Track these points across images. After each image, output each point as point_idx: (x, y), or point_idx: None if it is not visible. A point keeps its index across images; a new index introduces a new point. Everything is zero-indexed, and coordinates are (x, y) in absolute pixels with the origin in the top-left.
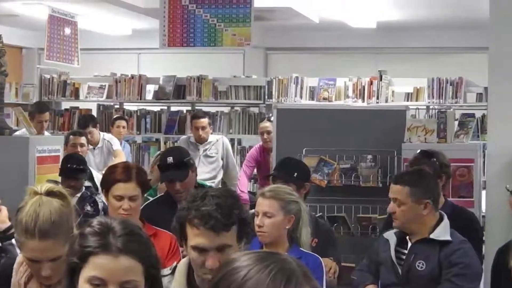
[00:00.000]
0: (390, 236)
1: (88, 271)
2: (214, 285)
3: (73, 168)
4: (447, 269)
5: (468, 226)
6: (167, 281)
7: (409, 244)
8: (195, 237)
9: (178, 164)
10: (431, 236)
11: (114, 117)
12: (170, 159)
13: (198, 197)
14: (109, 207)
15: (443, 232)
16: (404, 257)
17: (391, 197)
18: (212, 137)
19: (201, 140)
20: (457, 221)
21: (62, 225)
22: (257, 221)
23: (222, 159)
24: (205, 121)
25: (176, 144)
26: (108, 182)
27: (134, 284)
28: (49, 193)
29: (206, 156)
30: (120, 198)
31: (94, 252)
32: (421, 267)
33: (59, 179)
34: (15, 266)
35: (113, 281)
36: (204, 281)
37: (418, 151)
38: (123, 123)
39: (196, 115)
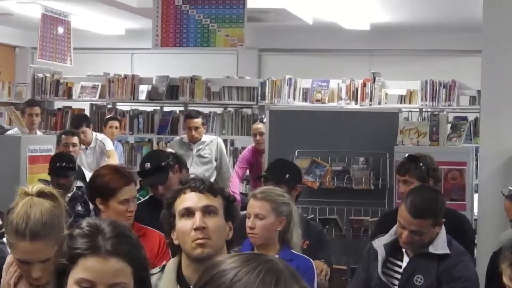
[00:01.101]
0: (379, 248)
1: (76, 273)
2: None
3: (62, 166)
4: (447, 284)
5: (458, 227)
6: (156, 278)
7: (405, 257)
8: (182, 202)
9: (156, 169)
10: (430, 250)
11: (107, 117)
12: (147, 165)
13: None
14: (110, 214)
15: (441, 245)
16: (398, 269)
17: (409, 229)
18: (206, 138)
19: (194, 140)
20: (448, 222)
21: (53, 227)
22: (248, 223)
23: (215, 160)
24: (198, 121)
25: (169, 145)
26: (111, 189)
27: (123, 286)
28: (40, 194)
29: (199, 156)
30: (126, 201)
31: (83, 254)
32: (420, 282)
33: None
34: (4, 266)
35: (102, 283)
36: (195, 249)
37: (406, 155)
38: (116, 123)
39: (189, 114)
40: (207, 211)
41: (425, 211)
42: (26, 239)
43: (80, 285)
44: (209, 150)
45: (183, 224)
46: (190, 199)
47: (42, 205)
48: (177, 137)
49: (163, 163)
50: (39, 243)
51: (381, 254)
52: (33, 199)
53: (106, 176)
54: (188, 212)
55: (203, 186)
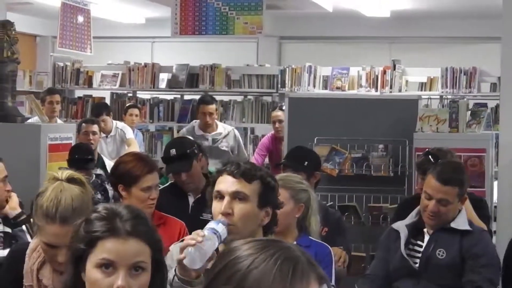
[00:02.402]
0: (402, 228)
1: (96, 255)
2: (216, 275)
3: (81, 158)
4: (472, 260)
5: (477, 212)
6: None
7: (426, 235)
8: (217, 184)
9: (182, 156)
10: (452, 225)
11: (127, 105)
12: (173, 151)
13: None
14: (132, 201)
15: (462, 222)
16: (419, 249)
17: (437, 198)
18: (221, 128)
19: (207, 127)
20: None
21: (82, 212)
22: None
23: (232, 152)
24: (213, 107)
25: (179, 135)
26: (134, 176)
27: (143, 266)
28: (70, 180)
29: (215, 148)
30: (148, 189)
31: (102, 236)
32: (442, 256)
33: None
34: (28, 251)
35: (123, 263)
36: None
37: (426, 150)
38: (136, 111)
39: (204, 99)
40: (237, 196)
41: (453, 179)
42: (56, 222)
43: (100, 267)
44: (226, 143)
45: (214, 206)
46: (223, 182)
47: (72, 190)
48: (188, 126)
49: (188, 151)
50: (68, 227)
51: (403, 232)
52: (63, 184)
53: (129, 163)
54: (220, 195)
55: (237, 171)
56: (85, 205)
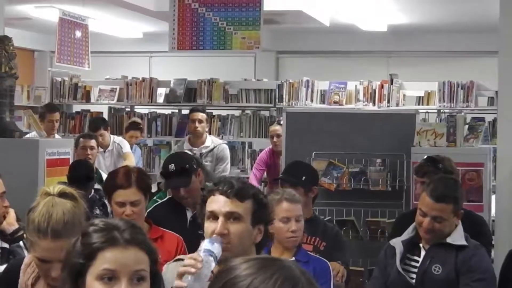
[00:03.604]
0: (397, 244)
1: (97, 267)
2: None
3: (81, 176)
4: (465, 274)
5: (477, 229)
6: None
7: (422, 250)
8: (209, 204)
9: (180, 171)
10: (448, 240)
11: (128, 124)
12: (172, 167)
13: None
14: (113, 212)
15: (458, 237)
16: (415, 264)
17: (431, 215)
18: (209, 141)
19: (196, 138)
20: (466, 224)
21: (75, 226)
22: (292, 226)
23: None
24: (203, 115)
25: (172, 151)
26: (109, 188)
27: (144, 274)
28: (61, 194)
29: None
30: (122, 204)
31: (102, 247)
32: (437, 271)
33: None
34: (22, 267)
35: (125, 271)
36: None
37: (425, 157)
38: (137, 133)
39: (193, 108)
40: (231, 217)
41: (447, 196)
42: (48, 237)
43: (102, 280)
44: (210, 158)
45: (207, 226)
46: (216, 202)
47: (63, 204)
48: (178, 144)
49: (187, 166)
50: (60, 242)
51: (399, 248)
52: (55, 198)
53: (114, 174)
54: (213, 216)
55: (230, 190)
56: (77, 219)
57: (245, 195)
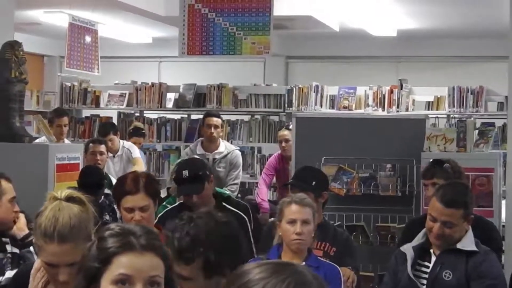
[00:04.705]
0: (408, 250)
1: (112, 272)
2: None
3: (91, 183)
4: (476, 280)
5: (487, 235)
6: None
7: (433, 256)
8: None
9: (194, 178)
10: (458, 246)
11: (132, 130)
12: (185, 173)
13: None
14: (122, 218)
15: (469, 243)
16: (426, 270)
17: (441, 220)
18: (223, 147)
19: (211, 143)
20: (476, 230)
21: (81, 230)
22: (297, 229)
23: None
24: (219, 120)
25: (181, 157)
26: (118, 194)
27: (159, 280)
28: (69, 199)
29: (214, 169)
30: (130, 210)
31: (118, 251)
32: (448, 277)
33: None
34: (32, 271)
35: (140, 277)
36: None
37: (431, 160)
38: (140, 140)
39: (209, 113)
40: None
41: (457, 201)
42: (54, 241)
43: (116, 285)
44: (224, 164)
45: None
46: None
47: (70, 209)
48: (192, 145)
49: (200, 172)
50: (67, 246)
51: (410, 254)
52: (62, 203)
53: (122, 180)
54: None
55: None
56: (84, 224)
57: (190, 256)
